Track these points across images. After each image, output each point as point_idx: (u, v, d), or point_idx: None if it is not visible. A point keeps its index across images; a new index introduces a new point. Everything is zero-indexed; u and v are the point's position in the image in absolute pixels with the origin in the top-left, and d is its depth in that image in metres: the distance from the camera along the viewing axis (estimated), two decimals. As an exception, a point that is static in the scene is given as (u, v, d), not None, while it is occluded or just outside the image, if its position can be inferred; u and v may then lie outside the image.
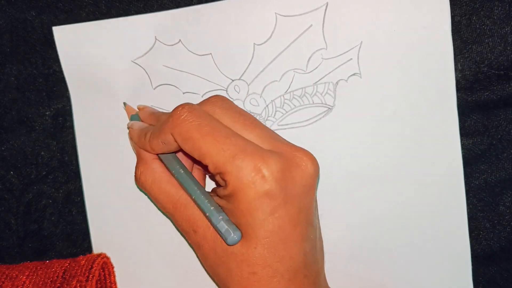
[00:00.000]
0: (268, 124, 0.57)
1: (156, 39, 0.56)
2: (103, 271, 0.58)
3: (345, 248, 0.58)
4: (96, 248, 0.59)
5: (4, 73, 0.57)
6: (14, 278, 0.55)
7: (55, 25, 0.57)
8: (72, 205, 0.59)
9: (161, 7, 0.56)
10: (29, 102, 0.58)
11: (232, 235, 0.45)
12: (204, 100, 0.50)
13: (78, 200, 0.59)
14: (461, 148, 0.58)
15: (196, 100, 0.56)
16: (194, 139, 0.46)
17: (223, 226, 0.46)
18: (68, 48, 0.57)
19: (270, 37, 0.56)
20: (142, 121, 0.55)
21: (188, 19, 0.56)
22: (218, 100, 0.50)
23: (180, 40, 0.56)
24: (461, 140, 0.58)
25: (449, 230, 0.58)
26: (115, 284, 0.58)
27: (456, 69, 0.57)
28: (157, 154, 0.53)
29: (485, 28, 0.57)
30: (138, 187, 0.58)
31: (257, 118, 0.57)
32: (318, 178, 0.53)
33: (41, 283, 0.55)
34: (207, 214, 0.47)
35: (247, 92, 0.56)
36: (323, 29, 0.55)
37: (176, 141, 0.48)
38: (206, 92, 0.56)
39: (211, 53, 0.56)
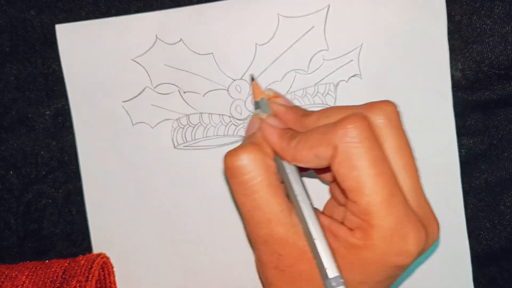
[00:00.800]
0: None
1: (157, 37, 0.56)
2: (103, 271, 0.58)
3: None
4: (96, 248, 0.59)
5: (4, 73, 0.57)
6: (13, 278, 0.55)
7: (55, 24, 0.56)
8: (72, 205, 0.59)
9: (161, 7, 0.56)
10: (29, 102, 0.58)
11: None
12: (374, 103, 0.44)
13: (78, 200, 0.59)
14: (461, 148, 0.58)
15: (196, 99, 0.57)
16: (362, 173, 0.40)
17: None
18: (70, 47, 0.57)
19: (272, 37, 0.56)
20: (274, 114, 0.48)
21: (189, 18, 0.56)
22: (392, 111, 0.44)
23: (181, 39, 0.56)
24: (462, 139, 0.58)
25: (448, 229, 0.58)
26: (115, 284, 0.58)
27: (456, 69, 0.57)
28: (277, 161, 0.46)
29: (486, 27, 0.57)
30: (224, 175, 0.56)
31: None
32: None
33: (40, 283, 0.55)
34: (319, 266, 0.42)
35: (249, 92, 0.56)
36: (324, 30, 0.56)
37: (329, 161, 0.42)
38: (207, 92, 0.56)
39: (212, 53, 0.56)
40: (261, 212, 0.43)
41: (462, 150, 0.58)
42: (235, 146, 0.54)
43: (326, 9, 0.55)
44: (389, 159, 0.42)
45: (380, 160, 0.41)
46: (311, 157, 0.43)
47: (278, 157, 0.45)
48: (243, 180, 0.44)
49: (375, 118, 0.43)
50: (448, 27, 0.57)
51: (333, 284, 0.41)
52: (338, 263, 0.42)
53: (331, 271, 0.41)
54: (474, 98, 0.58)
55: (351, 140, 0.40)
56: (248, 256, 0.58)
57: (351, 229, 0.42)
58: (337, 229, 0.43)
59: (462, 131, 0.58)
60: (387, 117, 0.43)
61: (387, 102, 0.44)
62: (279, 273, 0.45)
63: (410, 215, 0.41)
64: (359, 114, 0.41)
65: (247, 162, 0.43)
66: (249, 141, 0.46)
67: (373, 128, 0.42)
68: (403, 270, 0.43)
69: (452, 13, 0.57)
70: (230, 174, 0.44)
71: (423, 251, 0.43)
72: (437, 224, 0.44)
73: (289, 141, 0.44)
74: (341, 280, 0.41)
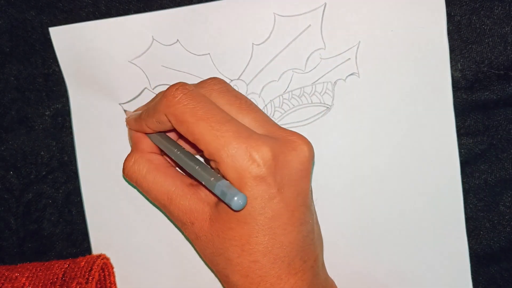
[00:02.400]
0: (267, 124, 0.57)
1: (153, 39, 0.56)
2: (103, 272, 0.58)
3: (343, 248, 0.58)
4: (95, 249, 0.59)
5: (4, 73, 0.57)
6: (14, 279, 0.55)
7: (55, 25, 0.57)
8: (72, 205, 0.59)
9: (161, 7, 0.56)
10: (28, 102, 0.58)
11: (236, 199, 0.43)
12: (200, 81, 0.50)
13: (78, 200, 0.59)
14: (461, 148, 0.58)
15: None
16: (188, 123, 0.46)
17: (224, 192, 0.44)
18: (66, 49, 0.57)
19: (269, 37, 0.56)
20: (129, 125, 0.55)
21: (185, 19, 0.56)
22: (215, 83, 0.50)
23: (178, 40, 0.56)
24: (461, 139, 0.58)
25: (447, 229, 0.58)
26: (115, 284, 0.58)
27: (456, 69, 0.57)
28: (149, 136, 0.52)
29: (485, 27, 0.57)
30: (124, 178, 0.58)
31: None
32: (313, 163, 0.53)
33: (40, 285, 0.55)
34: (206, 184, 0.46)
35: (246, 92, 0.56)
36: (321, 29, 0.56)
37: (170, 122, 0.48)
38: (205, 92, 0.57)
39: (209, 53, 0.56)
40: (162, 196, 0.50)
41: (462, 150, 0.58)
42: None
43: (322, 8, 0.55)
44: (228, 112, 0.48)
45: (201, 107, 0.46)
46: (156, 124, 0.49)
47: (153, 136, 0.52)
48: (136, 180, 0.52)
49: (202, 90, 0.49)
50: (448, 28, 0.57)
51: (220, 184, 0.44)
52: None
53: (215, 179, 0.45)
54: (473, 98, 0.58)
55: (172, 103, 0.46)
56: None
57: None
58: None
59: (461, 131, 0.58)
60: (210, 86, 0.50)
61: (210, 79, 0.51)
62: (200, 241, 0.50)
63: (242, 136, 0.45)
64: (176, 84, 0.48)
65: (131, 167, 0.52)
66: (130, 143, 0.55)
67: (202, 94, 0.48)
68: (270, 185, 0.45)
69: (452, 14, 0.57)
70: (130, 181, 0.52)
71: (286, 164, 0.46)
72: (300, 139, 0.48)
73: (140, 116, 0.52)
74: (226, 181, 0.45)
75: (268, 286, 0.47)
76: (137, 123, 0.52)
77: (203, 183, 0.46)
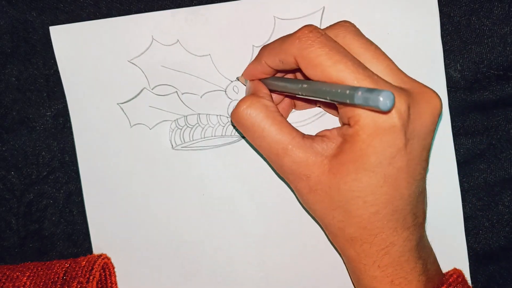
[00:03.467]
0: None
1: (153, 38, 0.56)
2: (104, 271, 0.58)
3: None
4: (96, 249, 0.59)
5: (5, 74, 0.58)
6: (15, 279, 0.55)
7: (56, 25, 0.57)
8: (72, 205, 0.59)
9: (162, 8, 0.56)
10: (30, 103, 0.58)
11: (382, 99, 0.38)
12: (332, 25, 0.49)
13: (79, 200, 0.59)
14: (460, 148, 0.58)
15: (194, 100, 0.57)
16: (324, 66, 0.45)
17: (367, 98, 0.40)
18: (65, 48, 0.57)
19: (269, 39, 0.56)
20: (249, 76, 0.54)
21: (186, 20, 0.56)
22: (349, 25, 0.49)
23: (178, 40, 0.56)
24: (461, 139, 0.58)
25: (446, 228, 0.58)
26: (116, 284, 0.58)
27: (455, 69, 0.57)
28: (265, 82, 0.52)
29: (485, 28, 0.57)
30: (232, 125, 0.57)
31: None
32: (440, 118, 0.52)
33: (41, 284, 0.55)
34: (343, 99, 0.42)
35: (246, 93, 0.56)
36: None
37: (296, 64, 0.47)
38: (205, 93, 0.57)
39: (209, 54, 0.56)
40: (276, 144, 0.49)
41: (461, 150, 0.58)
42: (233, 147, 0.55)
43: (321, 11, 0.56)
44: (358, 57, 0.47)
45: (337, 51, 0.45)
46: (278, 63, 0.49)
47: (271, 78, 0.52)
48: (250, 125, 0.49)
49: (333, 33, 0.48)
50: (447, 28, 0.57)
51: (361, 91, 0.40)
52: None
53: (352, 90, 0.41)
54: (473, 99, 0.58)
55: (305, 45, 0.46)
56: (247, 256, 0.59)
57: (347, 124, 0.47)
58: (340, 130, 0.48)
59: (461, 131, 0.58)
60: (344, 28, 0.49)
61: (343, 21, 0.50)
62: (314, 194, 0.49)
63: (381, 85, 0.44)
64: (309, 26, 0.47)
65: (246, 109, 0.49)
66: (246, 95, 0.52)
67: (334, 39, 0.47)
68: (402, 135, 0.45)
69: (451, 14, 0.57)
70: (240, 125, 0.50)
71: (419, 116, 0.46)
72: (432, 92, 0.48)
73: (256, 61, 0.51)
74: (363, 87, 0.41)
75: (384, 237, 0.48)
76: (255, 65, 0.52)
77: (339, 99, 0.43)
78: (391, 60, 0.48)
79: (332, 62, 0.44)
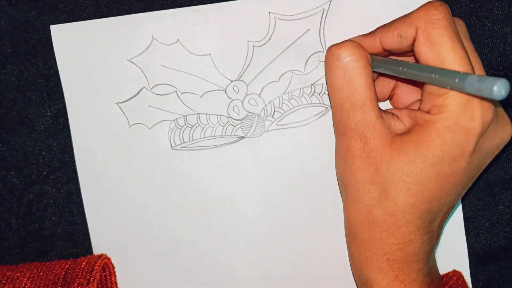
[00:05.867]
0: (266, 124, 0.57)
1: (153, 38, 0.56)
2: (104, 272, 0.58)
3: (343, 247, 0.58)
4: (96, 249, 0.59)
5: (5, 74, 0.58)
6: (15, 279, 0.55)
7: (57, 24, 0.57)
8: (73, 205, 0.59)
9: (162, 8, 0.56)
10: (30, 103, 0.58)
11: (496, 88, 0.38)
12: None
13: (79, 200, 0.59)
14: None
15: (194, 100, 0.57)
16: (441, 48, 0.44)
17: (478, 88, 0.39)
18: (65, 47, 0.57)
19: (269, 39, 0.56)
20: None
21: (186, 19, 0.56)
22: (463, 24, 0.50)
23: (178, 39, 0.56)
24: (461, 140, 0.58)
25: (446, 228, 0.58)
26: (116, 284, 0.58)
27: (455, 69, 0.57)
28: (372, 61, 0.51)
29: (485, 28, 0.57)
30: (324, 60, 0.55)
31: (256, 118, 0.57)
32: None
33: (42, 285, 0.55)
34: (452, 86, 0.42)
35: (246, 93, 0.57)
36: (319, 32, 0.56)
37: (414, 38, 0.46)
38: (205, 92, 0.57)
39: (209, 54, 0.56)
40: (358, 95, 0.48)
41: (461, 150, 0.58)
42: (233, 147, 0.54)
43: (321, 12, 0.56)
44: None
45: (457, 38, 0.45)
46: (395, 38, 0.48)
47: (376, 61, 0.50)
48: (345, 64, 0.48)
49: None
50: (447, 28, 0.57)
51: (472, 79, 0.40)
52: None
53: (462, 77, 0.41)
54: (473, 99, 0.58)
55: (431, 20, 0.45)
56: (247, 256, 0.59)
57: (426, 111, 0.46)
58: (414, 113, 0.48)
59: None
60: (460, 24, 0.49)
61: (459, 19, 0.50)
62: (363, 161, 0.48)
63: None
64: (438, 1, 0.46)
65: (350, 49, 0.48)
66: (348, 40, 0.51)
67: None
68: (471, 141, 0.45)
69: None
70: (333, 59, 0.49)
71: (493, 133, 0.47)
72: (509, 120, 0.49)
73: (374, 33, 0.50)
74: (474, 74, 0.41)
75: (405, 232, 0.48)
76: (365, 39, 0.51)
77: (447, 80, 0.43)
78: (484, 72, 0.49)
79: (452, 47, 0.44)
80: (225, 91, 0.57)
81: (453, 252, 0.58)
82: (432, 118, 0.45)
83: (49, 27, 0.57)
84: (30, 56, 0.57)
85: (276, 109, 0.57)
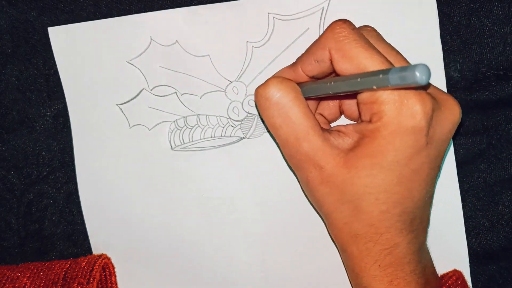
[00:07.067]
0: (266, 125, 0.57)
1: (151, 39, 0.56)
2: (104, 272, 0.58)
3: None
4: (95, 249, 0.59)
5: (5, 74, 0.58)
6: (15, 279, 0.55)
7: (56, 26, 0.57)
8: (73, 205, 0.59)
9: (161, 8, 0.56)
10: (30, 103, 0.58)
11: (419, 74, 0.37)
12: (358, 27, 0.49)
13: (79, 200, 0.59)
14: (460, 148, 0.58)
15: (194, 101, 0.57)
16: (360, 58, 0.45)
17: (403, 76, 0.39)
18: (64, 49, 0.57)
19: (268, 40, 0.56)
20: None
21: (185, 20, 0.56)
22: (372, 29, 0.50)
23: (176, 40, 0.56)
24: (461, 140, 0.58)
25: (446, 229, 0.58)
26: (116, 284, 0.58)
27: (455, 69, 0.57)
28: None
29: (485, 28, 0.57)
30: (254, 103, 0.56)
31: (255, 119, 0.57)
32: None
33: (42, 285, 0.55)
34: (379, 84, 0.42)
35: (246, 94, 0.57)
36: (319, 32, 0.56)
37: (331, 60, 0.47)
38: (205, 94, 0.57)
39: (209, 55, 0.56)
40: (299, 126, 0.48)
41: (461, 150, 0.58)
42: (232, 148, 0.55)
43: (320, 11, 0.56)
44: None
45: (370, 46, 0.46)
46: (314, 64, 0.49)
47: (301, 84, 0.50)
48: (276, 101, 0.48)
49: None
50: (447, 28, 0.57)
51: (395, 71, 0.40)
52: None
53: (385, 73, 0.41)
54: (473, 99, 0.58)
55: (340, 37, 0.46)
56: (247, 256, 0.59)
57: (368, 121, 0.46)
58: (358, 126, 0.47)
59: (461, 131, 0.58)
60: (367, 32, 0.49)
61: (365, 26, 0.51)
62: (325, 186, 0.49)
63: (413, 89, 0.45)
64: (340, 20, 0.47)
65: (277, 85, 0.48)
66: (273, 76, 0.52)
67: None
68: (422, 137, 0.45)
69: (451, 14, 0.57)
70: (265, 100, 0.49)
71: (440, 122, 0.46)
72: (454, 100, 0.48)
73: (293, 65, 0.51)
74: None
75: (389, 237, 0.48)
76: (289, 72, 0.51)
77: (373, 85, 0.42)
78: (408, 63, 0.49)
79: (368, 54, 0.45)
80: (225, 92, 0.57)
81: (453, 252, 0.58)
82: (375, 127, 0.45)
83: (49, 27, 0.57)
84: (30, 56, 0.57)
85: (276, 109, 0.57)
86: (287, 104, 0.48)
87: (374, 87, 0.42)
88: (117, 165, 0.58)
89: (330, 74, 0.50)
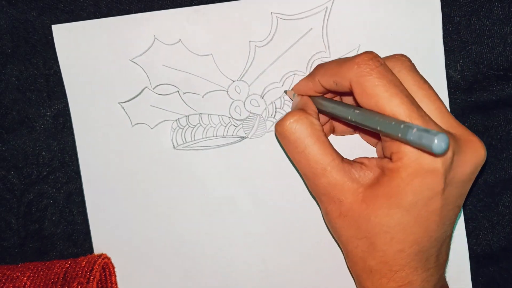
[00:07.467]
0: (268, 124, 0.57)
1: (155, 38, 0.56)
2: (104, 271, 0.58)
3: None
4: (97, 249, 0.59)
5: (5, 74, 0.57)
6: (15, 279, 0.55)
7: (58, 24, 0.57)
8: (73, 205, 0.59)
9: (162, 8, 0.56)
10: (30, 103, 0.58)
11: (437, 141, 0.38)
12: (389, 56, 0.49)
13: (79, 200, 0.59)
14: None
15: (196, 100, 0.57)
16: (379, 97, 0.44)
17: (421, 136, 0.39)
18: (67, 47, 0.57)
19: (271, 39, 0.56)
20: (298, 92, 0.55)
21: (188, 19, 0.56)
22: (406, 59, 0.49)
23: (180, 39, 0.56)
24: (461, 140, 0.58)
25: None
26: (116, 284, 0.58)
27: (455, 70, 0.57)
28: (315, 100, 0.52)
29: (485, 28, 0.57)
30: (275, 135, 0.56)
31: (257, 119, 0.57)
32: None
33: (42, 284, 0.55)
34: (395, 132, 0.42)
35: (248, 93, 0.57)
36: (322, 32, 0.56)
37: (350, 88, 0.47)
38: (207, 93, 0.57)
39: (211, 54, 0.56)
40: (316, 164, 0.48)
41: (461, 151, 0.58)
42: (234, 147, 0.54)
43: (324, 11, 0.56)
44: (414, 93, 0.47)
45: (394, 84, 0.45)
46: (332, 84, 0.49)
47: (321, 98, 0.51)
48: (293, 139, 0.49)
49: (390, 64, 0.48)
50: (447, 28, 0.57)
51: (416, 128, 0.40)
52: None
53: (407, 125, 0.41)
54: (473, 99, 0.58)
55: (363, 72, 0.45)
56: (248, 256, 0.59)
57: (389, 158, 0.46)
58: (380, 162, 0.48)
59: (461, 132, 0.58)
60: (401, 62, 0.49)
61: (399, 54, 0.50)
62: (343, 220, 0.49)
63: (431, 127, 0.44)
64: (369, 53, 0.46)
65: (293, 123, 0.49)
66: (292, 109, 0.53)
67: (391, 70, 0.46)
68: (442, 179, 0.45)
69: (451, 15, 0.57)
70: (282, 137, 0.50)
71: (463, 163, 0.46)
72: (479, 141, 0.48)
73: (310, 77, 0.51)
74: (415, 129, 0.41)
75: (403, 275, 0.48)
76: (307, 81, 0.52)
77: (390, 132, 0.43)
78: (442, 102, 0.48)
79: (388, 95, 0.44)
80: (227, 91, 0.57)
81: (453, 253, 0.58)
82: (395, 167, 0.45)
83: (49, 27, 0.57)
84: (30, 56, 0.57)
85: (277, 110, 0.57)
86: (304, 142, 0.49)
87: (398, 135, 0.42)
88: (119, 163, 0.58)
89: (347, 93, 0.50)
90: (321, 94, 0.52)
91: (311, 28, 0.56)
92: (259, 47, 0.56)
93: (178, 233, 0.59)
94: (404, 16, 0.56)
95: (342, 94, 0.52)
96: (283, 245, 0.59)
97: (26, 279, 0.55)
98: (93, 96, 0.57)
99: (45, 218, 0.59)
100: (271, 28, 0.56)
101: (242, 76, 0.56)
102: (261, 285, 0.59)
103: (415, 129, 0.40)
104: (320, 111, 0.52)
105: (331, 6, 0.56)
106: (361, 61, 0.46)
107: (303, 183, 0.58)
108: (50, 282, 0.55)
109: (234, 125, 0.57)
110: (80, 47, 0.57)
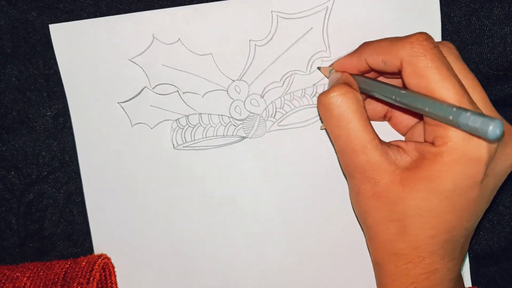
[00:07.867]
0: (268, 124, 0.57)
1: (154, 37, 0.56)
2: (104, 271, 0.58)
3: (344, 247, 0.58)
4: (97, 249, 0.59)
5: (5, 74, 0.58)
6: (15, 279, 0.55)
7: (56, 24, 0.57)
8: (73, 205, 0.59)
9: (162, 7, 0.56)
10: (30, 103, 0.58)
11: (492, 128, 0.38)
12: (438, 41, 0.47)
13: (79, 200, 0.59)
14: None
15: (196, 100, 0.57)
16: (430, 80, 0.44)
17: (475, 120, 0.39)
18: (65, 46, 0.57)
19: (271, 38, 0.56)
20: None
21: (187, 18, 0.56)
22: (452, 47, 0.48)
23: (179, 39, 0.56)
24: (461, 140, 0.58)
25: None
26: (116, 284, 0.58)
27: (455, 70, 0.57)
28: (357, 79, 0.51)
29: (485, 28, 0.57)
30: (317, 109, 0.56)
31: (257, 118, 0.57)
32: None
33: (42, 284, 0.55)
34: (447, 115, 0.42)
35: (248, 93, 0.56)
36: (323, 31, 0.56)
37: (400, 68, 0.46)
38: (207, 92, 0.57)
39: (211, 53, 0.56)
40: (357, 140, 0.48)
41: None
42: (234, 147, 0.54)
43: (324, 11, 0.56)
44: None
45: (447, 68, 0.44)
46: (380, 62, 0.48)
47: (363, 77, 0.51)
48: (337, 113, 0.48)
49: (443, 51, 0.46)
50: (447, 28, 0.57)
51: (468, 114, 0.40)
52: None
53: (460, 109, 0.41)
54: (473, 99, 0.58)
55: (416, 52, 0.45)
56: (248, 256, 0.59)
57: (431, 142, 0.46)
58: (420, 146, 0.47)
59: (461, 132, 0.58)
60: (448, 48, 0.48)
61: (446, 42, 0.49)
62: (376, 200, 0.48)
63: (478, 111, 0.43)
64: (424, 34, 0.46)
65: (339, 96, 0.48)
66: (338, 82, 0.51)
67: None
68: (481, 170, 0.45)
69: (451, 15, 0.57)
70: (326, 110, 0.49)
71: (505, 154, 0.46)
72: None
73: (356, 54, 0.50)
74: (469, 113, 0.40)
75: (430, 262, 0.48)
76: (351, 59, 0.51)
77: (440, 115, 0.42)
78: (485, 93, 0.48)
79: (440, 78, 0.44)
80: (227, 91, 0.57)
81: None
82: (438, 151, 0.45)
83: (49, 25, 0.57)
84: (30, 56, 0.57)
85: (277, 109, 0.57)
86: (348, 117, 0.48)
87: (449, 118, 0.41)
88: (119, 163, 0.58)
89: (394, 74, 0.49)
90: (363, 73, 0.52)
91: (312, 28, 0.56)
92: (259, 46, 0.56)
93: (178, 233, 0.59)
94: (404, 16, 0.56)
95: (385, 74, 0.52)
96: (283, 245, 0.59)
97: (26, 279, 0.55)
98: (92, 96, 0.57)
99: (45, 218, 0.59)
100: (271, 27, 0.56)
101: (242, 76, 0.56)
102: (261, 285, 0.59)
103: (469, 113, 0.40)
104: (360, 89, 0.51)
105: (332, 5, 0.56)
106: (415, 41, 0.45)
107: (303, 183, 0.58)
108: (50, 282, 0.55)
109: (234, 125, 0.57)
110: (78, 47, 0.57)
